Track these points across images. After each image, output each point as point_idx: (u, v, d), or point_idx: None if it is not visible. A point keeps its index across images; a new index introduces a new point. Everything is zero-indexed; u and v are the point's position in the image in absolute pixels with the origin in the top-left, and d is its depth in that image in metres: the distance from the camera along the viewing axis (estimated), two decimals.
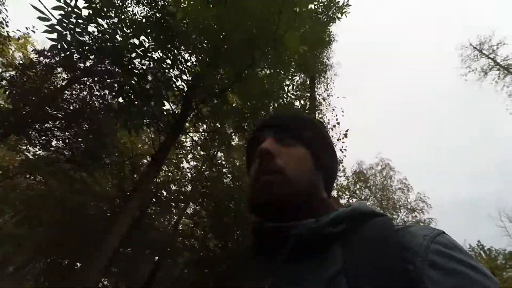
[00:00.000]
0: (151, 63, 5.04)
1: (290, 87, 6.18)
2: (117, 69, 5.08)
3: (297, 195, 0.49)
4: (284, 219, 0.47)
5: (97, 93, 6.26)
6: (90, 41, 4.48)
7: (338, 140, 7.64)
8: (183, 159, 10.26)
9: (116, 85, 5.25)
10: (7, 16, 7.80)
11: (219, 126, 6.73)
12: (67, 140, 6.40)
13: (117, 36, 4.62)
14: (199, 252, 7.61)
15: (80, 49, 4.48)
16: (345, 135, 7.63)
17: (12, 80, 6.23)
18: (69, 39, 4.22)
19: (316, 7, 6.40)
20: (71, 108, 6.27)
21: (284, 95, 5.72)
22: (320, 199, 0.54)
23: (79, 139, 6.45)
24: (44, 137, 6.34)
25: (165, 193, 10.42)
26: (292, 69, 6.07)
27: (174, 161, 10.55)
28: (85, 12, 4.16)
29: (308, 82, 9.09)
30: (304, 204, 0.50)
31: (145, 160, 10.19)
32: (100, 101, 6.33)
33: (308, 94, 8.41)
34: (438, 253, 0.36)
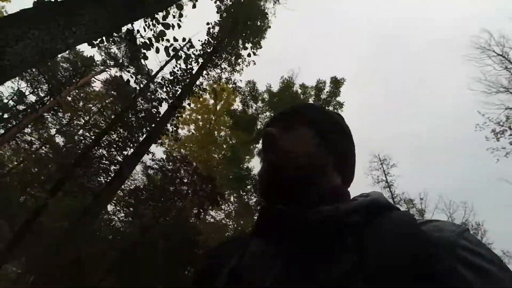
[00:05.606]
0: None
1: None
2: None
3: (299, 168, 0.49)
4: (293, 202, 0.46)
5: None
6: None
7: None
8: None
9: None
10: None
11: None
12: None
13: None
14: None
15: None
16: None
17: None
18: None
19: None
20: None
21: None
22: (331, 182, 0.52)
23: None
24: None
25: None
26: None
27: None
28: None
29: None
30: (309, 180, 0.49)
31: None
32: None
33: None
34: (467, 250, 0.34)
